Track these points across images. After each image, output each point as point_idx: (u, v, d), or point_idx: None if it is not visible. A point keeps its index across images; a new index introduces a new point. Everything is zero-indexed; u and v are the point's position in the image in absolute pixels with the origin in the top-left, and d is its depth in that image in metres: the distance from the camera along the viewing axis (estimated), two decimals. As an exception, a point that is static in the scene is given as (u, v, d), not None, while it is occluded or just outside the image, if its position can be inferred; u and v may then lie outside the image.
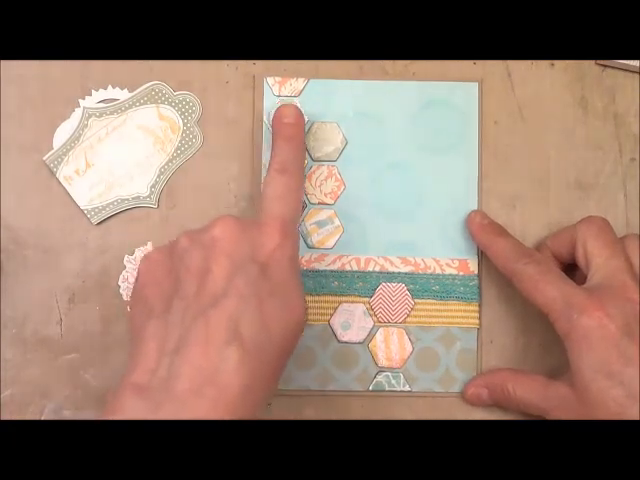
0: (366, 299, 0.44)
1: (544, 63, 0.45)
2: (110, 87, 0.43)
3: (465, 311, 0.43)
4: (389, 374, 0.44)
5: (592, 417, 0.36)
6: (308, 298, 0.43)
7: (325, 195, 0.44)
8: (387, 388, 0.44)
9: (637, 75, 0.45)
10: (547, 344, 0.43)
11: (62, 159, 0.43)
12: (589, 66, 0.45)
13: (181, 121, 0.43)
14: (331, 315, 0.44)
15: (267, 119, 0.44)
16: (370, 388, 0.44)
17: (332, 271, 0.44)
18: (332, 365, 0.43)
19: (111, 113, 0.42)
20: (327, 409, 0.44)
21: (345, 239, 0.44)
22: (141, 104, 0.42)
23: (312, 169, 0.44)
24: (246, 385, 0.31)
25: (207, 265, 0.34)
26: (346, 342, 0.44)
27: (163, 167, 0.43)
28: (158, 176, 0.43)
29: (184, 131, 0.43)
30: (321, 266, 0.44)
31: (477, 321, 0.44)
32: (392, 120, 0.44)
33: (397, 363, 0.44)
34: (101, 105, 0.42)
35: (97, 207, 0.43)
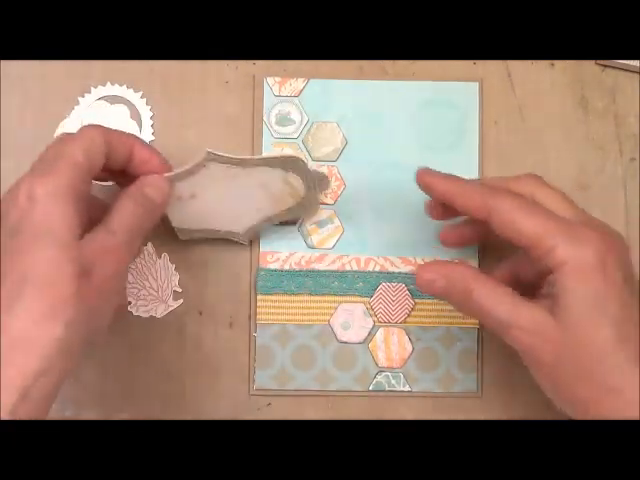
0: (366, 299, 0.44)
1: (544, 63, 0.45)
2: (109, 84, 0.44)
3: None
4: (389, 374, 0.44)
5: (569, 350, 0.33)
6: (308, 298, 0.43)
7: (325, 195, 0.44)
8: (387, 388, 0.44)
9: (637, 75, 0.45)
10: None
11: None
12: (589, 66, 0.45)
13: (304, 191, 0.41)
14: (331, 315, 0.44)
15: (267, 119, 0.44)
16: (370, 388, 0.44)
17: (332, 271, 0.44)
18: (332, 365, 0.43)
19: (236, 164, 0.39)
20: (327, 409, 0.44)
21: (345, 239, 0.44)
22: (271, 167, 0.40)
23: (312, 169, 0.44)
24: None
25: None
26: (346, 342, 0.44)
27: (268, 217, 0.42)
28: (259, 222, 0.42)
29: (303, 198, 0.41)
30: (321, 266, 0.44)
31: (477, 321, 0.44)
32: (392, 120, 0.44)
33: (397, 363, 0.44)
34: (227, 155, 0.39)
35: (187, 230, 0.42)
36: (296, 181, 0.40)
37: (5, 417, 0.29)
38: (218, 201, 0.40)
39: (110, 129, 0.36)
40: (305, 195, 0.41)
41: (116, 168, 0.37)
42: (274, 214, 0.41)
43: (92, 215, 0.35)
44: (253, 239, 0.43)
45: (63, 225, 0.32)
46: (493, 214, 0.35)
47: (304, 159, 0.40)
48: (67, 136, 0.35)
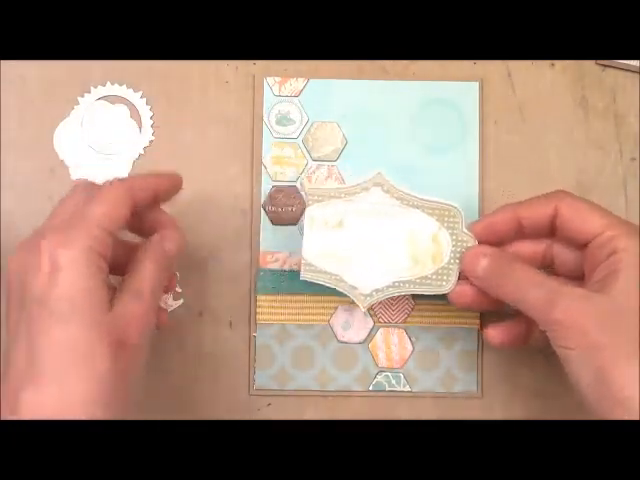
0: (366, 299, 0.44)
1: (544, 63, 0.45)
2: (109, 84, 0.44)
3: (465, 311, 0.43)
4: (389, 374, 0.44)
5: (616, 319, 0.34)
6: (308, 298, 0.43)
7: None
8: (387, 388, 0.44)
9: (637, 75, 0.45)
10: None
11: (323, 197, 0.39)
12: (589, 66, 0.45)
13: (448, 257, 0.38)
14: (331, 315, 0.44)
15: (267, 119, 0.44)
16: (370, 388, 0.44)
17: (332, 271, 0.44)
18: (332, 365, 0.43)
19: (397, 198, 0.38)
20: (327, 409, 0.44)
21: (345, 239, 0.44)
22: (429, 214, 0.38)
23: (312, 169, 0.44)
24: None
25: None
26: (346, 342, 0.44)
27: (398, 283, 0.39)
28: (387, 286, 0.39)
29: (442, 268, 0.39)
30: (321, 266, 0.44)
31: (477, 321, 0.44)
32: (392, 120, 0.44)
33: (397, 363, 0.44)
34: (394, 184, 0.38)
35: (313, 268, 0.39)
36: (445, 241, 0.39)
37: None
38: (362, 239, 0.39)
39: (134, 181, 0.36)
40: (447, 263, 0.39)
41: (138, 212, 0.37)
42: (407, 279, 0.39)
43: (115, 257, 0.35)
44: (373, 310, 0.43)
45: (91, 299, 0.32)
46: (560, 214, 0.38)
47: (462, 214, 0.39)
48: (89, 196, 0.34)
